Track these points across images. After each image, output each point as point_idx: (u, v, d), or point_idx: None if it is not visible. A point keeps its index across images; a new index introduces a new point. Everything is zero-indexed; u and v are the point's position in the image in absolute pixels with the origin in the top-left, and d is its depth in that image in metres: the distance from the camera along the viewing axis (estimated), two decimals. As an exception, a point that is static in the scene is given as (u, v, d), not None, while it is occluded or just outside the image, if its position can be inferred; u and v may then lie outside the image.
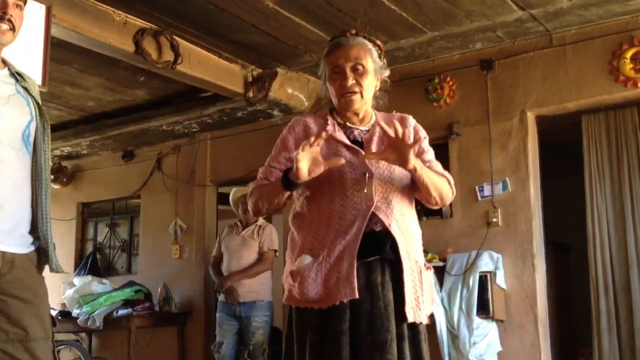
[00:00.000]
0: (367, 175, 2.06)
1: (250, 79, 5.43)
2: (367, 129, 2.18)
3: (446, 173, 2.21)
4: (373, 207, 2.03)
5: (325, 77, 2.18)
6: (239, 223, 5.27)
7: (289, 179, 1.98)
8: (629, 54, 4.58)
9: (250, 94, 5.43)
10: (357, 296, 1.96)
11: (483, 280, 4.73)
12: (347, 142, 2.12)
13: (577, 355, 5.95)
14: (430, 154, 2.24)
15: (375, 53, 2.17)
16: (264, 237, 5.14)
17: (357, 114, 2.17)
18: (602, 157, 4.73)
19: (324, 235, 2.04)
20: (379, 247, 2.03)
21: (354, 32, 2.19)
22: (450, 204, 5.11)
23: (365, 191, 2.04)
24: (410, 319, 2.02)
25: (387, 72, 2.21)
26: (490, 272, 4.75)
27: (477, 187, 5.04)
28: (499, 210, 4.93)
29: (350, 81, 2.10)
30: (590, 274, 4.65)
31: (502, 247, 4.88)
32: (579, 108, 4.85)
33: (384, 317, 1.97)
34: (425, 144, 2.24)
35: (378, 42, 2.21)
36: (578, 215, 4.98)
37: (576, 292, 6.01)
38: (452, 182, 2.20)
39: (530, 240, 4.81)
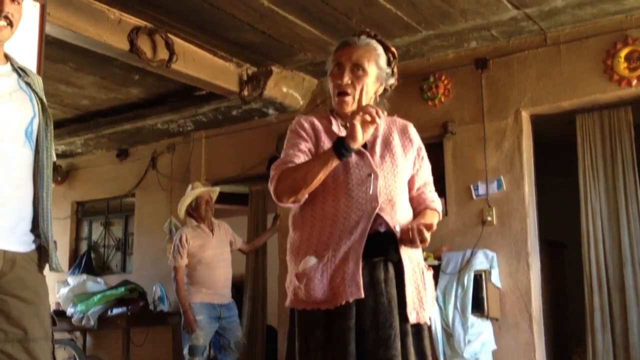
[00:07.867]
0: (372, 176, 2.06)
1: (245, 78, 5.43)
2: None
3: (438, 201, 2.25)
4: (378, 208, 2.04)
5: (328, 73, 2.19)
6: (203, 226, 5.11)
7: (341, 147, 1.95)
8: (623, 53, 4.59)
9: (245, 93, 5.42)
10: (362, 295, 1.97)
11: (478, 279, 4.74)
12: None
13: (572, 353, 5.97)
14: (426, 170, 2.26)
15: (383, 59, 2.18)
16: (231, 233, 5.30)
17: None
18: (596, 156, 4.75)
19: (328, 236, 2.04)
20: (384, 249, 2.05)
21: (372, 33, 2.21)
22: (445, 203, 5.14)
23: (371, 192, 2.04)
24: (413, 320, 2.04)
25: (392, 81, 2.22)
26: (485, 270, 4.76)
27: (471, 186, 5.05)
28: (493, 208, 4.94)
29: (346, 80, 2.11)
30: (584, 272, 4.66)
31: (497, 245, 4.89)
32: (573, 107, 4.86)
33: (387, 313, 1.98)
34: (424, 158, 2.26)
35: (393, 49, 2.22)
36: (572, 213, 4.99)
37: (570, 290, 6.02)
38: (440, 208, 2.25)
39: (524, 239, 4.82)
